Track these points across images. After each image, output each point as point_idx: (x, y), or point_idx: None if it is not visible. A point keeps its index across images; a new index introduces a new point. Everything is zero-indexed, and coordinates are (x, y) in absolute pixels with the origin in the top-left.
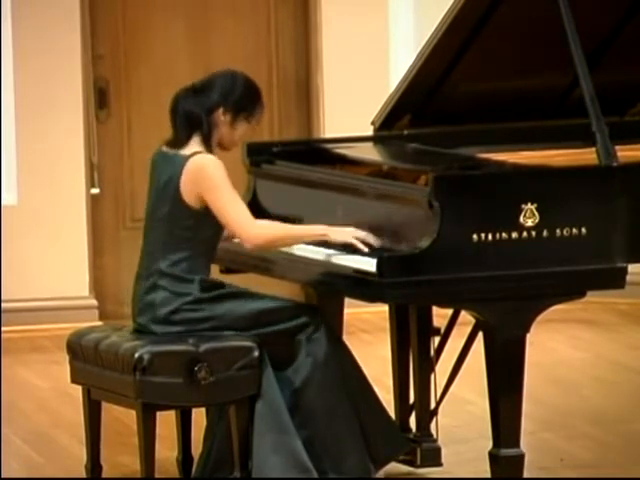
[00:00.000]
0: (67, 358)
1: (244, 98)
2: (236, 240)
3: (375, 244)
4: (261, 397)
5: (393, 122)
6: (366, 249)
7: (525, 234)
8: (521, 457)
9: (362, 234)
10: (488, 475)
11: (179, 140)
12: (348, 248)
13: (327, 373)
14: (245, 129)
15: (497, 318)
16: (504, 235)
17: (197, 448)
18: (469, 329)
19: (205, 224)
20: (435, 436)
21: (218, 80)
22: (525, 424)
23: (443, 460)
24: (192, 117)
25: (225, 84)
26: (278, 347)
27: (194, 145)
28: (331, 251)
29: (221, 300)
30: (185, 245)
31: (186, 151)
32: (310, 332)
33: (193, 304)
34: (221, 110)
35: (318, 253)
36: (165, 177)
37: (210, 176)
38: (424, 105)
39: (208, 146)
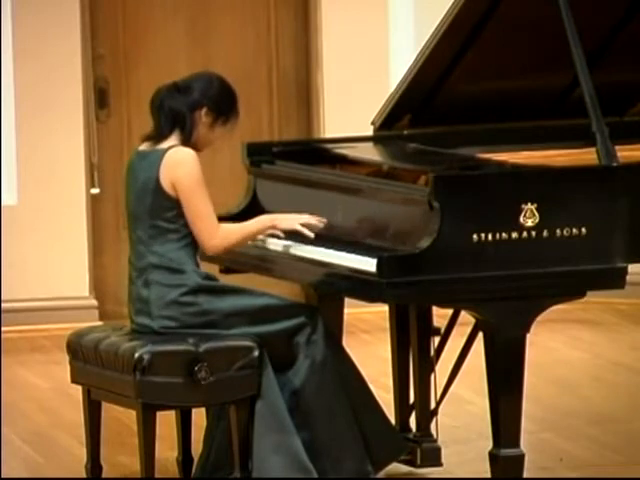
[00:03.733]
0: (67, 358)
1: (223, 101)
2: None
3: (320, 224)
4: (261, 397)
5: (393, 122)
6: (312, 235)
7: (525, 234)
8: (521, 457)
9: (305, 218)
10: (488, 475)
11: (159, 135)
12: (349, 247)
13: (325, 375)
14: (221, 133)
15: (497, 318)
16: (504, 235)
17: (197, 448)
18: (469, 329)
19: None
20: (435, 436)
21: (199, 81)
22: (525, 424)
23: (443, 460)
24: (177, 114)
25: (206, 85)
26: (276, 348)
27: (173, 141)
28: (331, 251)
29: (218, 294)
30: (170, 237)
31: (164, 145)
32: (308, 334)
33: (189, 295)
34: (204, 110)
35: (318, 253)
36: (144, 174)
37: (189, 172)
38: (424, 105)
39: (187, 143)
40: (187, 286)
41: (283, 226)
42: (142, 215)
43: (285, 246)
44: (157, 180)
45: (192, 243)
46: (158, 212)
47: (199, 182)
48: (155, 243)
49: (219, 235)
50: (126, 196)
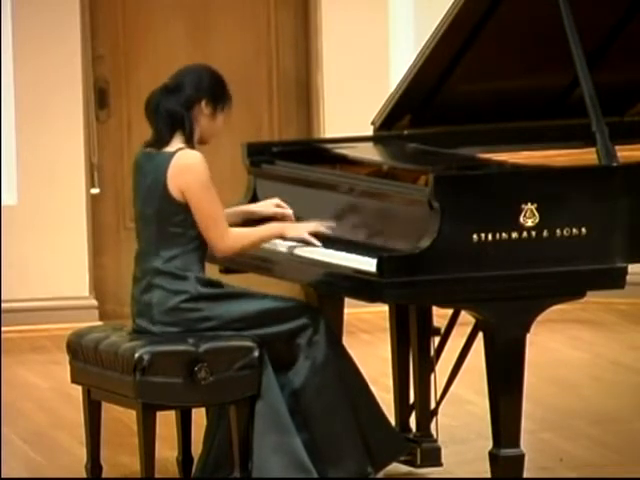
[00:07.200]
0: (67, 358)
1: (218, 88)
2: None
3: (328, 232)
4: (261, 397)
5: (393, 122)
6: (319, 244)
7: (525, 234)
8: (521, 457)
9: (312, 226)
10: (488, 475)
11: (161, 140)
12: (349, 247)
13: (326, 376)
14: (222, 120)
15: (497, 318)
16: (504, 235)
17: (197, 448)
18: (469, 329)
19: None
20: (435, 436)
21: (188, 76)
22: (525, 424)
23: (443, 460)
24: (175, 115)
25: (196, 79)
26: (277, 349)
27: (177, 143)
28: (331, 251)
29: (219, 300)
30: (177, 241)
31: (170, 148)
32: (309, 335)
33: (190, 302)
34: (204, 102)
35: (318, 253)
36: (151, 176)
37: (197, 175)
38: (424, 105)
39: (190, 143)
40: (189, 293)
41: (291, 235)
42: (149, 217)
43: (285, 246)
44: (164, 185)
45: (199, 248)
46: (165, 216)
47: (207, 185)
48: (162, 247)
49: (230, 238)
50: (133, 195)
